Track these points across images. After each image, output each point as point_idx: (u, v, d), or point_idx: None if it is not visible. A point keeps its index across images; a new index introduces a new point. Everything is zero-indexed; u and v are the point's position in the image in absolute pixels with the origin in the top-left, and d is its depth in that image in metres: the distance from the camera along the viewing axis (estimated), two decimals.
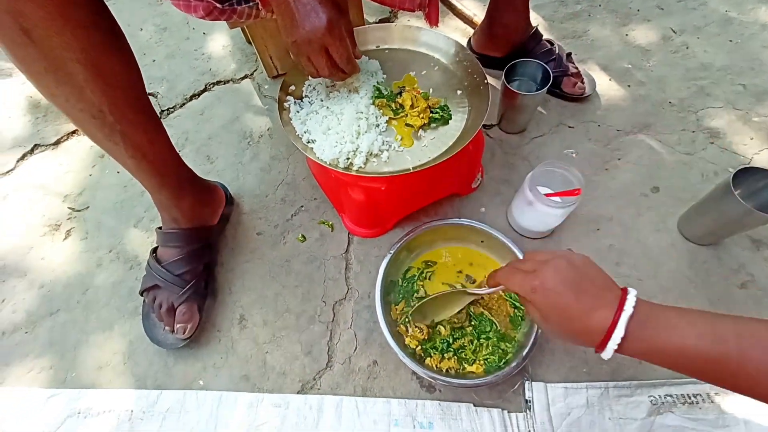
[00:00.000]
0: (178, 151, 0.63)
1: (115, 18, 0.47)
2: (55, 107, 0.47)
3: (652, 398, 0.56)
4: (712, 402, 0.56)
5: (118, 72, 0.47)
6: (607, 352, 0.37)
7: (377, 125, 0.60)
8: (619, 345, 0.36)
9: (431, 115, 0.60)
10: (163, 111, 0.95)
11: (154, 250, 0.67)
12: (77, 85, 0.44)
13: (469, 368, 0.57)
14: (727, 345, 0.32)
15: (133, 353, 0.66)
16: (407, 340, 0.58)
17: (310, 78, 0.64)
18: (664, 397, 0.56)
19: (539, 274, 0.40)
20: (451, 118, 0.61)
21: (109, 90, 0.47)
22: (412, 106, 0.60)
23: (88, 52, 0.43)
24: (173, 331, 0.63)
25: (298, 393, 0.61)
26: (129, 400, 0.61)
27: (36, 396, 0.62)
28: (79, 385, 0.64)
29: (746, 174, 0.60)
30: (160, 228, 0.66)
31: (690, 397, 0.56)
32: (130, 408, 0.60)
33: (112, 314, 0.70)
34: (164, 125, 0.58)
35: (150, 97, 0.96)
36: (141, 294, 0.66)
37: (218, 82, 0.99)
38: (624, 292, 0.38)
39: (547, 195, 0.64)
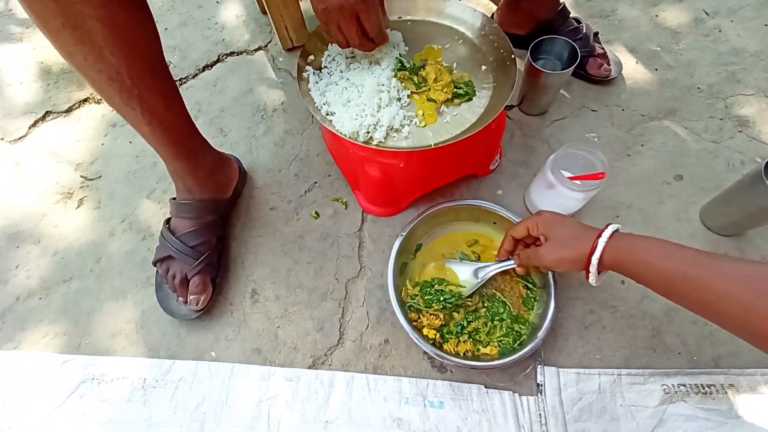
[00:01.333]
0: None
1: None
2: (73, 67, 0.46)
3: (665, 387, 0.56)
4: (725, 393, 0.55)
5: (137, 33, 0.46)
6: (592, 269, 0.46)
7: (399, 99, 0.58)
8: (599, 260, 0.45)
9: (455, 90, 0.58)
10: (175, 81, 0.93)
11: (168, 221, 0.66)
12: (96, 45, 0.43)
13: (483, 350, 0.57)
14: (687, 265, 0.39)
15: (146, 323, 0.66)
16: (425, 331, 0.57)
17: (329, 48, 0.62)
18: (678, 387, 0.56)
19: (539, 215, 0.53)
20: (475, 95, 0.59)
21: (128, 51, 0.45)
22: (435, 80, 0.58)
23: (109, 9, 0.41)
24: (186, 302, 0.63)
25: (309, 368, 0.61)
26: (142, 368, 0.62)
27: (51, 361, 0.63)
28: (94, 352, 0.64)
29: None
30: (173, 198, 0.66)
31: (704, 387, 0.56)
32: (143, 376, 0.61)
33: (125, 283, 0.70)
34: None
35: None
36: (154, 264, 0.66)
37: (231, 53, 0.97)
38: (606, 225, 0.46)
39: (569, 178, 0.63)
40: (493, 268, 0.59)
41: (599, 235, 0.45)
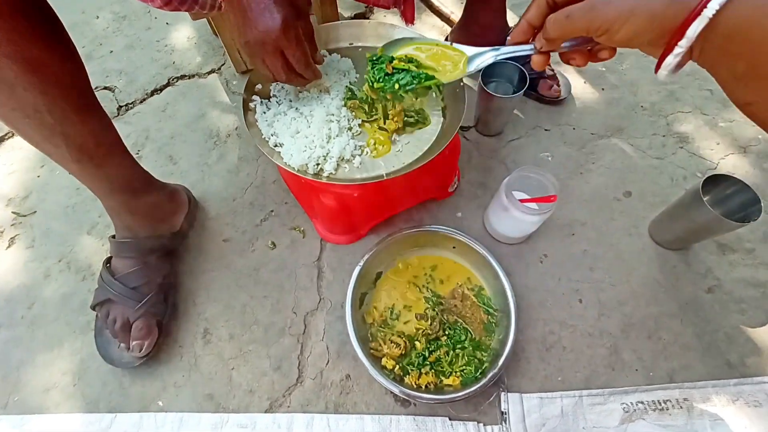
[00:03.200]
0: (137, 151, 0.58)
1: (52, 6, 0.42)
2: None
3: (624, 405, 0.57)
4: (681, 408, 0.56)
5: (57, 68, 0.42)
6: (685, 42, 0.27)
7: (350, 128, 0.57)
8: (713, 17, 0.26)
9: (406, 118, 0.58)
10: (121, 107, 0.88)
11: (108, 261, 0.62)
12: (7, 82, 0.39)
13: (446, 381, 0.56)
14: None
15: (84, 373, 0.60)
16: (384, 361, 0.56)
17: None
18: (636, 404, 0.57)
19: None
20: (425, 123, 0.59)
21: (45, 87, 0.41)
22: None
23: (17, 44, 0.38)
24: (129, 348, 0.58)
25: (266, 412, 0.57)
26: (80, 424, 0.56)
27: None
28: (24, 410, 0.58)
29: (714, 180, 0.60)
30: (113, 236, 0.61)
31: (660, 404, 0.57)
32: None
33: (61, 330, 0.64)
34: (121, 123, 0.54)
35: (106, 92, 0.90)
36: (93, 308, 0.60)
37: (182, 77, 0.93)
38: None
39: (523, 201, 0.63)
40: (500, 52, 0.41)
41: None
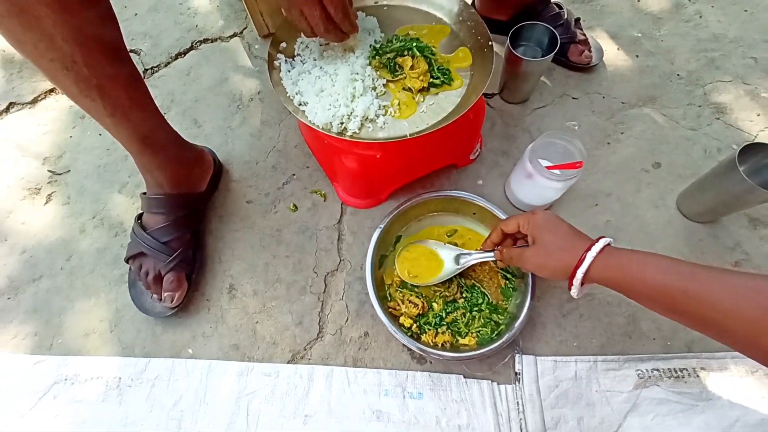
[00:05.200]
0: (162, 113, 0.59)
1: None
2: (25, 57, 0.43)
3: (639, 372, 0.57)
4: (697, 377, 0.56)
5: (92, 18, 0.43)
6: (575, 282, 0.44)
7: (374, 88, 0.56)
8: (584, 274, 0.43)
9: (431, 79, 0.57)
10: (146, 70, 0.89)
11: (139, 217, 0.64)
12: (46, 31, 0.40)
13: (462, 341, 0.57)
14: (686, 280, 0.37)
15: (120, 321, 0.64)
16: (401, 320, 0.57)
17: (302, 35, 0.60)
18: (651, 371, 0.57)
19: (533, 215, 0.50)
20: (451, 84, 0.58)
21: (82, 38, 0.42)
22: (411, 68, 0.56)
23: None
24: (161, 299, 0.61)
25: (288, 363, 0.60)
26: (117, 367, 0.60)
27: (21, 362, 0.61)
28: (66, 352, 0.63)
29: (751, 150, 0.58)
30: (144, 193, 0.64)
31: (676, 372, 0.57)
32: (118, 375, 0.60)
33: (97, 281, 0.68)
34: (147, 86, 0.54)
35: (132, 55, 0.91)
36: (126, 261, 0.64)
37: (205, 40, 0.93)
38: (598, 239, 0.44)
39: (548, 168, 0.62)
40: (474, 258, 0.58)
41: (588, 249, 0.43)
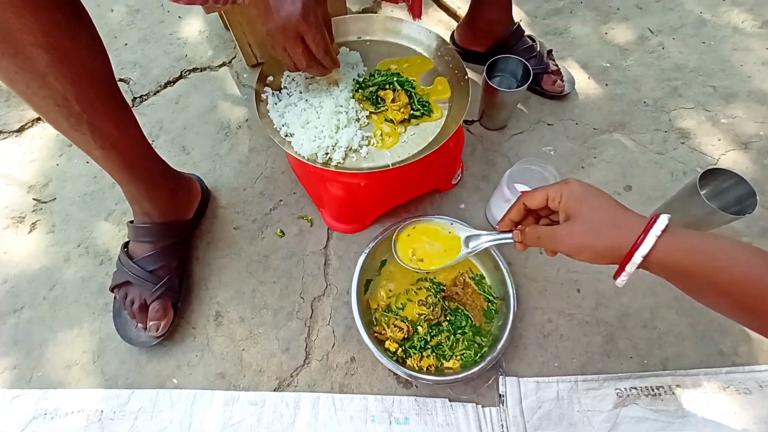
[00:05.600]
0: (151, 141, 0.61)
1: None
2: (15, 93, 0.44)
3: (618, 390, 0.59)
4: (672, 394, 0.58)
5: (84, 57, 0.45)
6: (630, 268, 0.36)
7: (357, 119, 0.59)
8: (644, 258, 0.35)
9: (412, 111, 0.60)
10: (135, 98, 0.91)
11: (126, 245, 0.65)
12: (38, 71, 0.42)
13: (446, 364, 0.58)
14: (764, 271, 0.32)
15: (103, 351, 0.64)
16: (387, 344, 0.58)
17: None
18: (629, 390, 0.59)
19: (566, 184, 0.40)
20: (431, 115, 0.61)
21: (74, 77, 0.44)
22: (393, 101, 0.59)
23: (50, 35, 0.40)
24: (146, 328, 0.61)
25: (274, 390, 0.60)
26: (99, 399, 0.60)
27: None
28: (46, 385, 0.61)
29: (712, 175, 0.62)
30: (131, 222, 0.64)
31: (653, 389, 0.59)
32: (100, 408, 0.59)
33: (81, 311, 0.67)
34: (136, 114, 0.56)
35: (121, 84, 0.93)
36: (112, 290, 0.64)
37: (194, 69, 0.95)
38: (657, 215, 0.36)
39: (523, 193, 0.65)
40: (488, 239, 0.50)
41: (649, 226, 0.35)
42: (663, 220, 0.35)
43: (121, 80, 0.93)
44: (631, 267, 0.36)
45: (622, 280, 0.37)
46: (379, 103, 0.61)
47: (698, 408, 0.57)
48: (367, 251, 0.64)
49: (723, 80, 0.90)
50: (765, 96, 0.87)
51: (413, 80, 0.62)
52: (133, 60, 0.97)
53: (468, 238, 0.52)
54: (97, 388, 0.61)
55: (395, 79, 0.60)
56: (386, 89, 0.60)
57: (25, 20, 0.38)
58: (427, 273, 0.58)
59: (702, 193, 0.59)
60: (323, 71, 0.54)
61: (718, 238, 0.35)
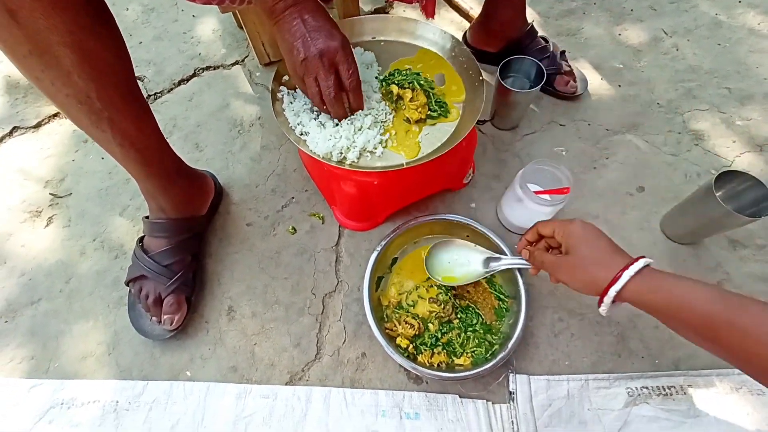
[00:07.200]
0: (165, 138, 0.61)
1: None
2: (40, 91, 0.45)
3: (629, 390, 0.59)
4: (684, 394, 0.58)
5: (107, 57, 0.46)
6: (606, 300, 0.43)
7: (384, 122, 0.60)
8: (617, 293, 0.42)
9: (429, 112, 0.60)
10: (150, 96, 0.92)
11: (141, 240, 0.66)
12: (64, 70, 0.43)
13: (457, 361, 0.59)
14: (733, 311, 0.36)
15: (118, 344, 0.65)
16: (398, 340, 0.59)
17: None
18: (641, 389, 0.59)
19: (572, 224, 0.48)
20: (447, 115, 0.61)
21: (97, 75, 0.45)
22: (411, 100, 0.59)
23: (76, 35, 0.41)
24: (160, 322, 0.62)
25: (286, 384, 0.61)
26: (114, 390, 0.61)
27: (17, 386, 0.61)
28: (63, 376, 0.63)
29: (727, 177, 0.62)
30: (147, 217, 0.65)
31: (665, 389, 0.59)
32: (115, 398, 0.60)
33: (96, 304, 0.68)
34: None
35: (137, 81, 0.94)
36: (127, 284, 0.65)
37: (208, 68, 0.96)
38: (637, 258, 0.43)
39: (537, 192, 0.65)
40: (505, 263, 0.58)
41: (625, 268, 0.42)
42: (638, 264, 0.42)
43: (136, 78, 0.95)
44: (607, 299, 0.43)
45: (602, 309, 0.44)
46: (398, 102, 0.61)
47: (711, 408, 0.57)
48: (378, 249, 0.65)
49: (738, 82, 0.89)
50: None
51: (432, 81, 0.62)
52: (148, 58, 0.98)
53: (488, 260, 0.60)
54: (112, 380, 0.62)
55: (415, 78, 0.60)
56: (405, 88, 0.60)
57: (53, 21, 0.39)
58: (449, 284, 0.62)
59: (717, 194, 0.59)
60: (343, 111, 0.56)
61: (687, 279, 0.41)
